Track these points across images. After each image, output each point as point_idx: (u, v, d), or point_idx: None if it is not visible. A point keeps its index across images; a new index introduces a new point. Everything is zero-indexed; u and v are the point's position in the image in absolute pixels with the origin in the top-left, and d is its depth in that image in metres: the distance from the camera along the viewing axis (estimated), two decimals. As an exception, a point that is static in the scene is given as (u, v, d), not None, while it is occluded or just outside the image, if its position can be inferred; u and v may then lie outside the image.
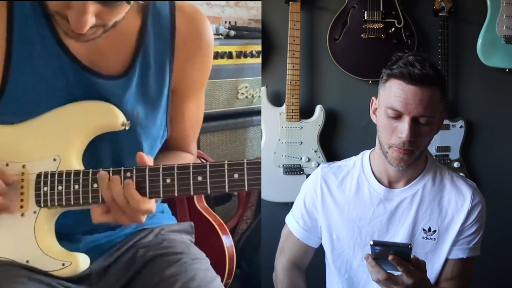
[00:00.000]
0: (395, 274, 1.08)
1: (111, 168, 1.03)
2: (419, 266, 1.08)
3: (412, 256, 1.07)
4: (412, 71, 1.15)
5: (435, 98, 1.18)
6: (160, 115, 1.18)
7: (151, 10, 1.13)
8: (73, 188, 1.05)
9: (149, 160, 1.05)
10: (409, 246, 1.03)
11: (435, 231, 1.29)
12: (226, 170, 1.00)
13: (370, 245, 1.04)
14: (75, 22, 0.92)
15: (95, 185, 1.03)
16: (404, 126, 1.17)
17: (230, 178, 1.00)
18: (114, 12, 0.96)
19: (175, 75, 1.18)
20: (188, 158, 1.30)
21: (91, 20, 0.92)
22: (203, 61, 1.22)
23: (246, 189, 0.99)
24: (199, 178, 1.01)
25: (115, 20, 0.98)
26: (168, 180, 1.01)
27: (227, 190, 1.00)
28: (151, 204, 1.03)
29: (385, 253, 1.04)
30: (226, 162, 1.00)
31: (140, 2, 1.09)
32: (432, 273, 1.30)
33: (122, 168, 1.03)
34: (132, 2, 0.96)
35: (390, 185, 1.31)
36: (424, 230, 1.30)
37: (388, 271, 1.08)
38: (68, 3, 0.92)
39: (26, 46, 1.05)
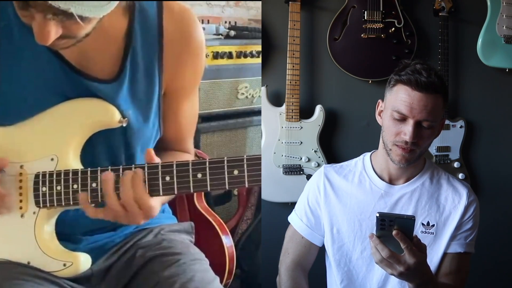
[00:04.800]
0: None
1: (109, 167, 1.03)
2: (420, 247, 1.12)
3: (414, 235, 1.10)
4: (419, 79, 1.23)
5: (438, 105, 1.26)
6: (152, 116, 1.17)
7: (138, 10, 1.11)
8: (72, 187, 1.04)
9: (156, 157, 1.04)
10: (413, 218, 1.07)
11: (433, 225, 1.36)
12: (225, 167, 0.99)
13: (376, 217, 1.07)
14: (38, 34, 0.90)
15: (94, 184, 1.03)
16: (408, 129, 1.24)
17: (230, 175, 0.99)
18: (80, 24, 0.91)
19: (166, 76, 1.16)
20: (186, 157, 1.30)
21: (55, 32, 0.90)
22: (194, 61, 1.20)
23: (247, 185, 0.99)
24: (199, 175, 1.00)
25: (86, 31, 0.95)
26: (168, 178, 1.01)
27: (227, 187, 0.99)
28: (155, 205, 1.03)
29: (389, 231, 1.07)
30: (225, 158, 0.99)
31: (126, 2, 1.07)
32: (430, 267, 1.32)
33: (121, 166, 1.03)
34: (117, 2, 0.94)
35: (391, 182, 1.38)
36: (423, 224, 1.36)
37: None
38: (33, 15, 0.90)
39: (14, 50, 1.05)
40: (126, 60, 1.11)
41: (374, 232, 1.10)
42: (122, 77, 1.10)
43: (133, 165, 1.02)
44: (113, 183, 1.01)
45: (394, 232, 1.06)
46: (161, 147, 1.25)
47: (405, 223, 1.07)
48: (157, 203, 1.05)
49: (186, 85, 1.23)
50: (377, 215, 1.08)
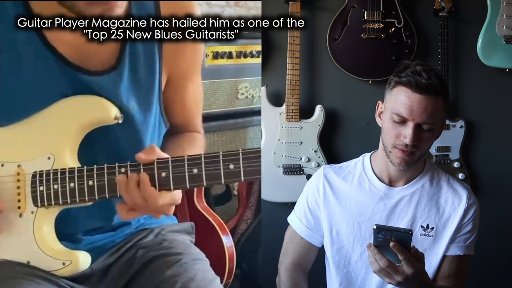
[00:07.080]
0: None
1: (105, 165, 1.03)
2: (418, 257, 1.12)
3: (411, 246, 1.11)
4: (419, 81, 1.22)
5: (438, 107, 1.25)
6: (154, 104, 1.17)
7: None
8: (69, 186, 1.04)
9: (151, 154, 1.03)
10: (410, 232, 1.08)
11: (432, 228, 1.35)
12: (221, 161, 0.99)
13: (374, 229, 1.08)
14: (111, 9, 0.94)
15: (90, 182, 1.03)
16: (408, 131, 1.24)
17: (225, 170, 0.99)
18: None
19: (167, 62, 1.16)
20: (198, 137, 1.31)
21: None
22: (193, 45, 1.20)
23: (243, 179, 0.98)
24: (194, 170, 1.00)
25: None
26: (163, 174, 1.01)
27: (223, 181, 0.99)
28: (173, 197, 1.02)
29: (387, 242, 1.07)
30: (221, 152, 0.99)
31: None
32: (429, 269, 1.34)
33: (117, 164, 1.03)
34: None
35: (391, 183, 1.38)
36: (422, 227, 1.36)
37: None
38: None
39: (12, 49, 1.05)
40: (125, 48, 1.10)
41: (372, 242, 1.11)
42: (121, 66, 1.10)
43: (128, 163, 1.02)
44: (124, 184, 1.01)
45: (391, 244, 1.07)
46: (172, 131, 1.26)
47: (402, 236, 1.08)
48: (170, 196, 1.03)
49: (188, 68, 1.23)
50: (374, 227, 1.08)
